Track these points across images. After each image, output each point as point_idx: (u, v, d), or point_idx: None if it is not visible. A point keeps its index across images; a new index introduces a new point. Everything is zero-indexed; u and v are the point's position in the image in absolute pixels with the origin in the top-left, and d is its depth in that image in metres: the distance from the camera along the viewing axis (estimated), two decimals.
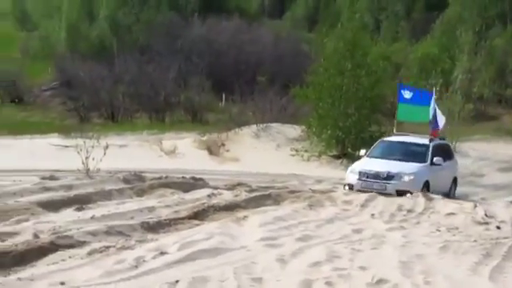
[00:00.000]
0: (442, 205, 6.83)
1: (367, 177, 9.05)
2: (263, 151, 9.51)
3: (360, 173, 9.23)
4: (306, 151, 11.96)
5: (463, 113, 14.43)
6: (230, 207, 5.70)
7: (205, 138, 12.21)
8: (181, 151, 11.38)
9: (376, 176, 9.07)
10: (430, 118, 10.33)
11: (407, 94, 10.95)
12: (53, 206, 5.14)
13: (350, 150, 12.29)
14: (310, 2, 31.89)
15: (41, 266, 3.44)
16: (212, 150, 11.11)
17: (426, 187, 9.15)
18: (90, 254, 3.70)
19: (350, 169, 9.50)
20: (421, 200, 7.29)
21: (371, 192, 8.50)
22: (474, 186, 11.51)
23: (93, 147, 7.32)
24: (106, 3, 26.64)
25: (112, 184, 6.25)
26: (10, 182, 6.24)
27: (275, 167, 8.23)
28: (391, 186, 8.96)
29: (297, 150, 11.96)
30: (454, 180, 10.60)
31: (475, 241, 4.79)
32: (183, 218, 5.02)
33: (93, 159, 7.08)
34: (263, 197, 6.41)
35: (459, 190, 10.58)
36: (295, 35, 25.63)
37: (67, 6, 26.84)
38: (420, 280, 3.50)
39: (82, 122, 17.49)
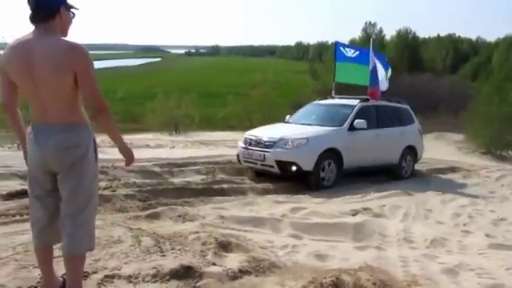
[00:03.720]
0: None
1: (250, 144, 7.32)
2: (439, 148, 13.25)
3: (245, 140, 7.51)
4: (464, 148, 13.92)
5: None
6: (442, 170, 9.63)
7: None
8: None
9: (258, 143, 7.22)
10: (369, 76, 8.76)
11: (349, 52, 9.43)
12: None
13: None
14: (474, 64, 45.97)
15: None
16: None
17: (334, 157, 7.21)
18: None
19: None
20: None
21: (253, 164, 7.26)
22: None
23: None
24: None
25: None
26: None
27: (446, 157, 11.49)
28: (270, 154, 6.96)
29: (459, 148, 14.08)
30: (410, 150, 8.69)
31: None
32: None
33: None
34: (443, 169, 9.83)
35: None
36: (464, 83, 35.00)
37: None
38: None
39: None
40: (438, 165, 10.16)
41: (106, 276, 2.86)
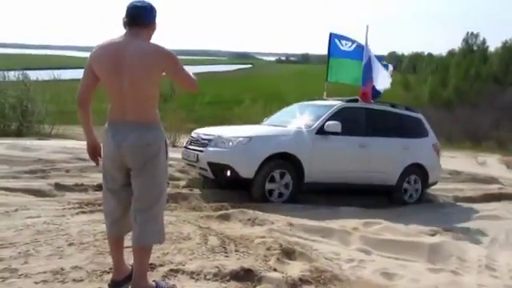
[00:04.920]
0: None
1: (190, 143, 6.29)
2: None
3: (189, 138, 6.52)
4: None
5: None
6: None
7: (505, 158, 17.71)
8: (489, 164, 15.84)
9: (196, 141, 6.16)
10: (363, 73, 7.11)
11: (345, 46, 7.73)
12: None
13: None
14: None
15: None
16: (509, 165, 15.67)
17: (290, 165, 5.83)
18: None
19: None
20: None
21: (193, 166, 6.17)
22: None
23: None
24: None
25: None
26: None
27: None
28: (203, 155, 5.81)
29: None
30: (417, 169, 6.92)
31: None
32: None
33: None
34: None
35: None
36: None
37: None
38: None
39: None
40: None
41: (171, 270, 3.01)
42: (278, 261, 3.38)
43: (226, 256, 3.35)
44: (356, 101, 6.98)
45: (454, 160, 14.28)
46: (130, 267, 2.83)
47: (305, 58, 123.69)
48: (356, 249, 4.15)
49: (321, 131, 6.17)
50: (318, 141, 6.11)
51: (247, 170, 5.65)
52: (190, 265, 3.11)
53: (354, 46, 7.69)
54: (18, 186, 5.31)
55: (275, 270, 3.21)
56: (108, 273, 2.92)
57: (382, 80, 7.38)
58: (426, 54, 76.97)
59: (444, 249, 4.39)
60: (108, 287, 2.75)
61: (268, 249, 3.58)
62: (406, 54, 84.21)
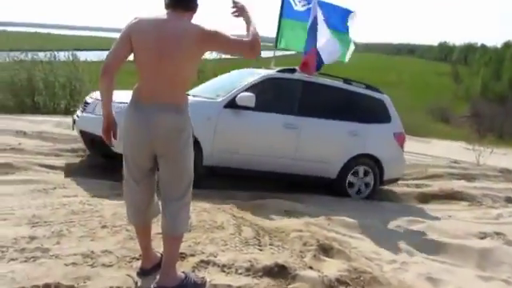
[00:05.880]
0: None
1: (83, 109, 5.23)
2: None
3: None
4: None
5: None
6: None
7: None
8: None
9: (83, 104, 5.28)
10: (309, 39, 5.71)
11: (298, 5, 6.30)
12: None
13: None
14: None
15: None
16: None
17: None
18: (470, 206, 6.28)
19: None
20: None
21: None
22: None
23: (483, 151, 10.93)
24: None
25: (490, 171, 8.97)
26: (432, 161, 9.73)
27: None
28: (78, 121, 5.10)
29: None
30: (369, 161, 5.76)
31: None
32: None
33: (482, 157, 10.57)
34: None
35: None
36: None
37: None
38: None
39: (480, 137, 21.95)
40: None
41: (202, 261, 2.88)
42: (314, 258, 3.20)
43: (260, 249, 3.19)
44: (293, 71, 5.70)
45: (505, 157, 13.43)
46: (160, 255, 2.74)
47: None
48: (398, 249, 3.91)
49: (231, 104, 5.07)
50: (226, 116, 5.04)
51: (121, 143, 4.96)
52: (221, 257, 2.98)
53: (308, 6, 6.17)
54: (59, 163, 5.37)
55: (311, 267, 3.02)
56: (137, 259, 2.83)
57: (330, 49, 5.90)
58: (479, 45, 73.43)
59: (495, 254, 4.07)
60: (137, 275, 2.67)
61: (304, 244, 3.40)
62: (457, 44, 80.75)
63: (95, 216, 3.57)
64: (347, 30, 6.40)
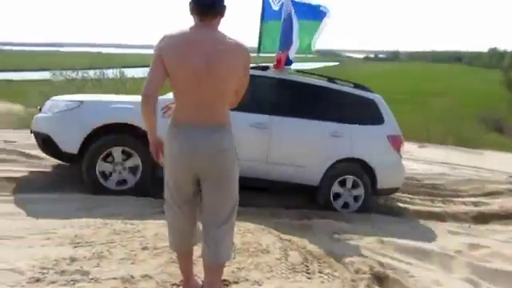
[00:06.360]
0: None
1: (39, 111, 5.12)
2: None
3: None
4: None
5: None
6: None
7: None
8: None
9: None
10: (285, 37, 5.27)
11: (275, 4, 5.73)
12: None
13: None
14: None
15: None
16: None
17: (136, 143, 4.60)
18: None
19: None
20: None
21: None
22: None
23: None
24: None
25: None
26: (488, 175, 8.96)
27: None
28: (33, 122, 4.94)
29: None
30: (358, 167, 5.21)
31: None
32: None
33: None
34: None
35: None
36: None
37: None
38: None
39: None
40: None
41: None
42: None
43: (308, 278, 2.95)
44: (265, 69, 5.38)
45: None
46: (201, 282, 2.57)
47: (394, 56, 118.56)
48: (461, 278, 3.54)
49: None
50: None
51: (69, 143, 4.63)
52: (267, 284, 2.77)
53: (281, 1, 5.66)
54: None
55: None
56: (178, 286, 2.68)
57: (293, 48, 5.38)
58: None
59: None
60: None
61: (356, 271, 3.14)
62: (508, 50, 77.05)
63: (137, 236, 3.46)
64: (319, 17, 5.80)
